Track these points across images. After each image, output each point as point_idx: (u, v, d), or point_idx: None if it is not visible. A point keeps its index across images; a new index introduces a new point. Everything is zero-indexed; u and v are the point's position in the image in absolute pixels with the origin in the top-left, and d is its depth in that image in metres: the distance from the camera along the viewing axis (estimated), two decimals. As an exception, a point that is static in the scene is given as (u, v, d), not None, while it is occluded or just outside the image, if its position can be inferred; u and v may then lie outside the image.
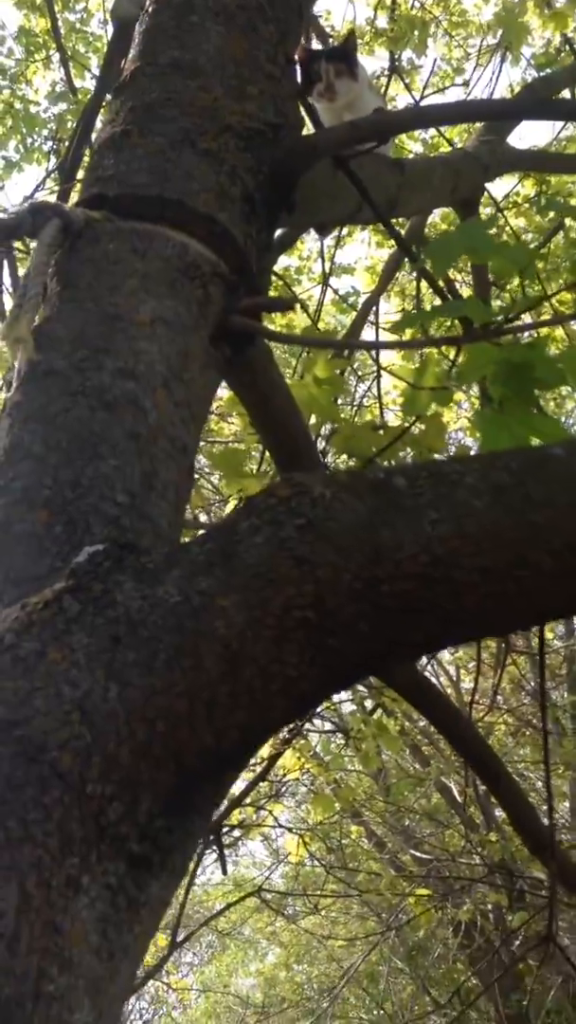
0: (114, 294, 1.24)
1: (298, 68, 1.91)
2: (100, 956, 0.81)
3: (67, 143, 4.17)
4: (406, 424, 2.16)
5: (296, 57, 1.75)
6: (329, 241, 5.63)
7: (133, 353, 1.19)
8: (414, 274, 5.71)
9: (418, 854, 6.18)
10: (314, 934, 8.20)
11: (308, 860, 6.31)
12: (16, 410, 1.15)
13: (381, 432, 2.19)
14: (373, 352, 4.53)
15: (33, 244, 1.34)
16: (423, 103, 4.34)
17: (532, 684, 8.35)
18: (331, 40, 4.65)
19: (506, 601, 0.93)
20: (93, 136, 3.63)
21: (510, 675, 7.10)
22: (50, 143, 5.12)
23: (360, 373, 5.41)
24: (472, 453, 1.93)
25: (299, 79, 1.96)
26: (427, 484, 0.95)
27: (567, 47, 4.25)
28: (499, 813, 7.63)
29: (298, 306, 4.25)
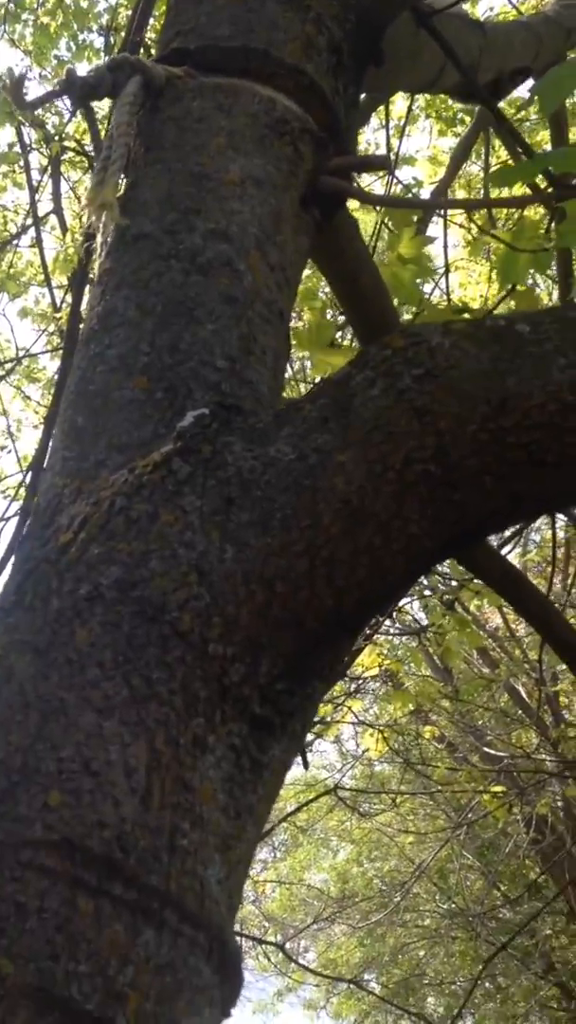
0: (200, 153, 1.18)
1: None
2: (228, 814, 0.80)
3: (122, 34, 4.02)
4: (488, 308, 2.07)
5: None
6: (391, 131, 5.40)
7: (224, 214, 1.13)
8: (481, 164, 5.47)
9: (490, 751, 6.24)
10: (385, 832, 8.39)
11: (379, 761, 6.41)
12: (107, 276, 1.11)
13: (466, 316, 2.10)
14: (443, 251, 4.37)
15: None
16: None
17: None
18: None
19: None
20: (149, 27, 3.48)
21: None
22: (102, 38, 4.94)
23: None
24: None
25: None
26: (553, 329, 0.88)
27: None
28: (567, 715, 7.65)
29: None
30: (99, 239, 1.17)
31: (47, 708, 0.76)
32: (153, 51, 3.87)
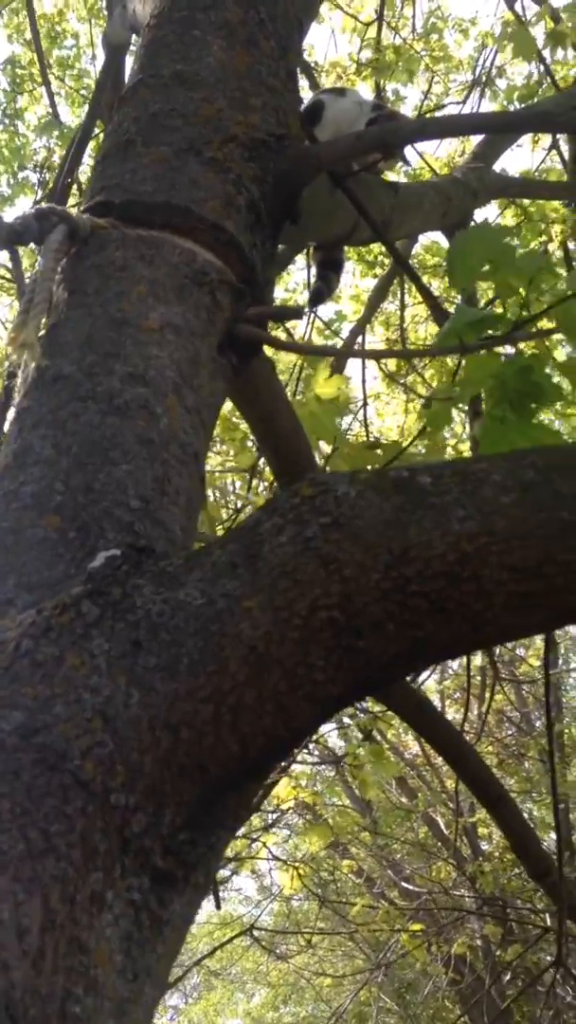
0: (122, 300, 1.22)
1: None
2: (125, 977, 0.77)
3: (56, 173, 4.17)
4: (402, 443, 2.14)
5: None
6: (314, 270, 5.68)
7: (143, 358, 1.17)
8: (398, 304, 5.75)
9: (409, 886, 6.08)
10: (303, 973, 8.04)
11: (297, 897, 6.20)
12: (24, 415, 1.12)
13: (379, 452, 2.18)
14: (361, 385, 4.54)
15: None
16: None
17: (518, 713, 8.32)
18: (315, 73, 4.70)
19: (534, 600, 0.90)
20: (83, 166, 3.63)
21: (495, 704, 7.05)
22: (38, 175, 5.13)
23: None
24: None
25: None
26: (453, 482, 0.92)
27: (548, 79, 4.32)
28: (485, 846, 7.56)
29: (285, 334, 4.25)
30: (19, 378, 1.20)
31: None
32: (85, 187, 4.03)
